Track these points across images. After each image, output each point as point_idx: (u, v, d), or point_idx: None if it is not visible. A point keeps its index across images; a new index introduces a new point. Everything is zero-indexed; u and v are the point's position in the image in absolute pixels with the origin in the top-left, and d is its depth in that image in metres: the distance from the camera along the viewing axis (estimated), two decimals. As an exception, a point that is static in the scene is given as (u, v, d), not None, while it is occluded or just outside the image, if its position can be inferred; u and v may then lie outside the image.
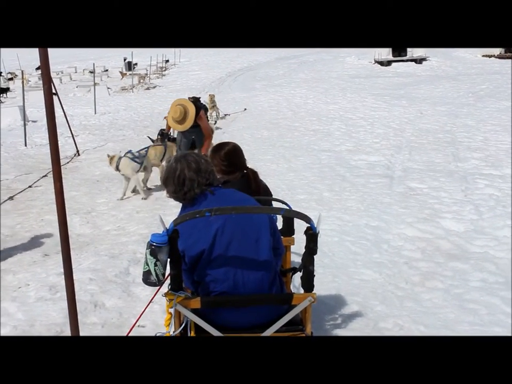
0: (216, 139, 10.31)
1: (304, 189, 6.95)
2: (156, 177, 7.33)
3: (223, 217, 2.28)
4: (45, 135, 6.80)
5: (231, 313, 2.32)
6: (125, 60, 35.22)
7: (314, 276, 2.35)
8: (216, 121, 12.97)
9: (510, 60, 24.40)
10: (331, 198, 6.54)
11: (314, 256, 2.33)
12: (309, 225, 2.26)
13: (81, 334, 2.90)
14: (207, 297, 2.30)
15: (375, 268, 4.46)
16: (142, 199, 6.83)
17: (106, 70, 33.86)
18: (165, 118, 8.04)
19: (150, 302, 3.30)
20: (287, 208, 2.76)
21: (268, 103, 16.08)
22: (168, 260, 2.19)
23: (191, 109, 6.24)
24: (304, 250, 2.35)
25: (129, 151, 7.01)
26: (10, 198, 6.90)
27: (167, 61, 36.09)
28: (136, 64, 32.01)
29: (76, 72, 34.39)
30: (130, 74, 27.16)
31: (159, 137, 7.59)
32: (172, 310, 2.23)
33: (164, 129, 7.54)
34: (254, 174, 3.35)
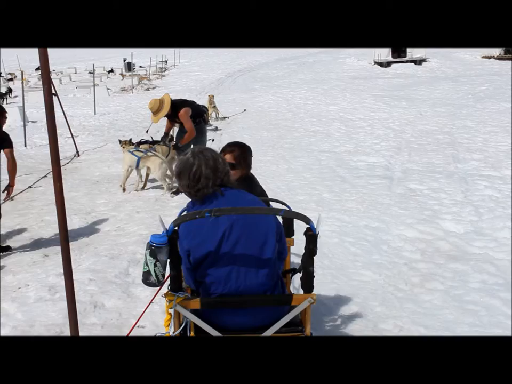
0: (216, 140, 10.36)
1: (303, 190, 6.95)
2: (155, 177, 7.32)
3: (230, 219, 2.26)
4: (45, 136, 6.81)
5: (231, 314, 2.31)
6: (124, 60, 35.25)
7: (314, 276, 2.35)
8: (217, 122, 12.98)
9: (510, 61, 24.42)
10: (331, 199, 6.54)
11: (314, 257, 2.33)
12: (309, 226, 2.25)
13: (81, 334, 2.90)
14: (206, 298, 2.29)
15: (375, 269, 4.46)
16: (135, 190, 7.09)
17: (111, 71, 33.64)
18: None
19: (150, 302, 3.30)
20: (287, 209, 2.76)
21: (267, 104, 16.09)
22: (168, 260, 2.19)
23: (167, 102, 6.68)
24: (303, 251, 2.35)
25: (136, 148, 7.19)
26: (10, 198, 6.88)
27: (166, 61, 36.10)
28: (134, 64, 31.95)
29: (75, 73, 34.38)
30: (130, 75, 27.17)
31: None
32: (171, 311, 2.23)
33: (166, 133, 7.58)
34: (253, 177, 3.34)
